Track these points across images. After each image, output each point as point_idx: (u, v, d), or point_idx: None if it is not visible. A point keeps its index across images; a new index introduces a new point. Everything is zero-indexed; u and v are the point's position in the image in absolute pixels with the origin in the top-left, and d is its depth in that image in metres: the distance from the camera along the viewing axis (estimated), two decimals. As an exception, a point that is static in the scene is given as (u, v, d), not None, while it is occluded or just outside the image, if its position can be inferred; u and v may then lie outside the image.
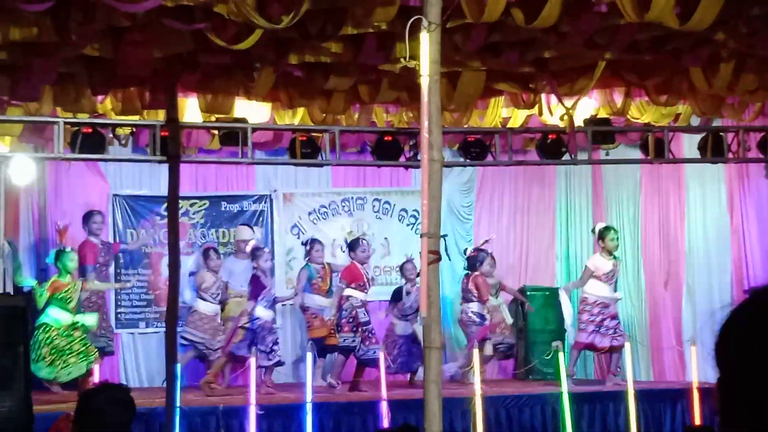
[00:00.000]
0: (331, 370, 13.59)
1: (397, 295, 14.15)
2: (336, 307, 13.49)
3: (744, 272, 15.81)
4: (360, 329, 13.43)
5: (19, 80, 10.87)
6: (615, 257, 14.09)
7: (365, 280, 13.69)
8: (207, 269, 13.62)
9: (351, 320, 13.44)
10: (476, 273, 14.11)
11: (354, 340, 13.42)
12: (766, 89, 12.70)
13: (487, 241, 14.61)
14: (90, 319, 13.01)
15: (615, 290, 14.11)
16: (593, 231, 14.59)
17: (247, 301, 13.31)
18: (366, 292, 13.70)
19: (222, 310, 13.68)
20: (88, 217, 14.05)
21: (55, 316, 12.70)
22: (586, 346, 13.93)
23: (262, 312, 13.14)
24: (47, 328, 12.64)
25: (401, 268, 14.27)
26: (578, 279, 14.39)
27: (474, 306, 13.98)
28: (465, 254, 14.63)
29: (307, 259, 14.02)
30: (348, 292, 13.53)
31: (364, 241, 13.96)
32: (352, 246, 13.84)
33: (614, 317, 13.86)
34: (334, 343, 13.49)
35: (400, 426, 8.36)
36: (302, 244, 14.31)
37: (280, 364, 13.41)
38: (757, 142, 14.49)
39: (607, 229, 14.17)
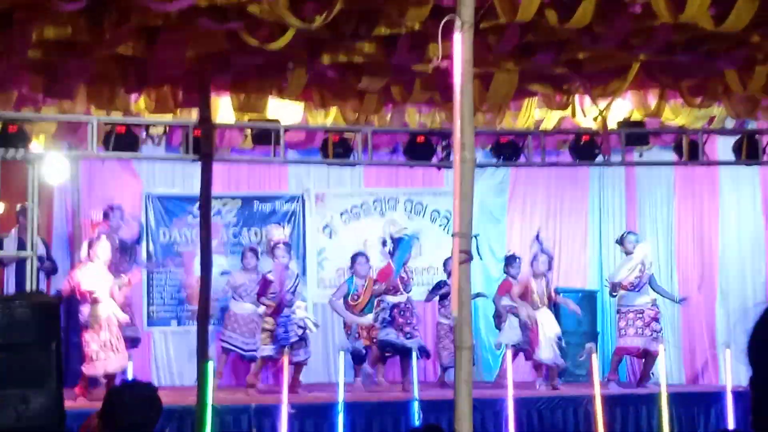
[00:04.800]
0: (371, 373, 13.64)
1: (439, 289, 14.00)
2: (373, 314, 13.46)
3: (778, 276, 15.69)
4: (399, 327, 13.36)
5: (54, 79, 10.92)
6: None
7: (398, 281, 13.58)
8: (241, 269, 13.66)
9: (390, 319, 13.36)
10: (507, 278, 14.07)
11: (392, 335, 13.35)
12: (802, 91, 12.60)
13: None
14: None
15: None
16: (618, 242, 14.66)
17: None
18: (397, 294, 13.62)
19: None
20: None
21: None
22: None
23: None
24: None
25: (444, 263, 14.04)
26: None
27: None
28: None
29: (351, 272, 13.91)
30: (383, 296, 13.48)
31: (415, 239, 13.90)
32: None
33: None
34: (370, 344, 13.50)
35: (424, 426, 8.35)
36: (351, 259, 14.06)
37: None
38: (792, 145, 14.38)
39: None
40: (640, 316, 13.91)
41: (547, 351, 13.54)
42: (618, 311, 14.18)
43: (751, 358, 1.73)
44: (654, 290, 14.18)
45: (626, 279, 13.96)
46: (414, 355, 12.43)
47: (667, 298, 14.51)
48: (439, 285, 14.02)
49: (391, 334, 13.40)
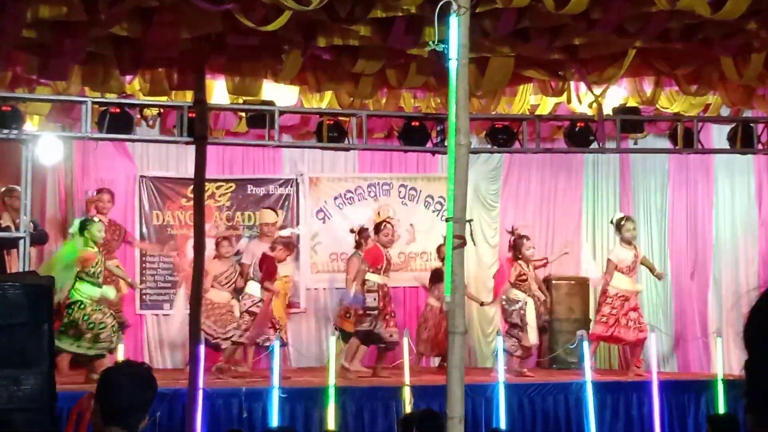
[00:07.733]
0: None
1: (437, 277, 13.82)
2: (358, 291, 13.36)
3: (771, 265, 15.70)
4: (368, 313, 13.28)
5: (48, 59, 10.88)
6: (634, 247, 14.06)
7: (385, 262, 13.52)
8: (218, 257, 13.53)
9: (379, 308, 13.31)
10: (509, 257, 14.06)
11: (369, 325, 13.28)
12: (798, 80, 12.59)
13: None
14: (110, 293, 12.78)
15: (637, 281, 14.12)
16: (612, 222, 14.53)
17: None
18: (387, 276, 13.55)
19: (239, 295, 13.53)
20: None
21: (88, 292, 12.37)
22: (604, 338, 13.97)
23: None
24: (82, 305, 12.21)
25: (438, 249, 14.05)
26: (605, 273, 14.12)
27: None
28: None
29: (356, 246, 13.72)
30: (367, 276, 13.38)
31: (388, 225, 13.81)
32: (377, 229, 13.75)
33: (635, 309, 13.82)
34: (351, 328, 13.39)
35: (422, 410, 8.34)
36: (351, 231, 14.03)
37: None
38: (787, 134, 14.37)
39: (623, 219, 14.15)
40: (626, 303, 13.84)
41: (533, 335, 13.64)
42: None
43: (746, 341, 1.72)
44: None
45: (623, 262, 13.91)
46: (406, 341, 12.34)
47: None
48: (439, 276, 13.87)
49: (378, 327, 13.30)
